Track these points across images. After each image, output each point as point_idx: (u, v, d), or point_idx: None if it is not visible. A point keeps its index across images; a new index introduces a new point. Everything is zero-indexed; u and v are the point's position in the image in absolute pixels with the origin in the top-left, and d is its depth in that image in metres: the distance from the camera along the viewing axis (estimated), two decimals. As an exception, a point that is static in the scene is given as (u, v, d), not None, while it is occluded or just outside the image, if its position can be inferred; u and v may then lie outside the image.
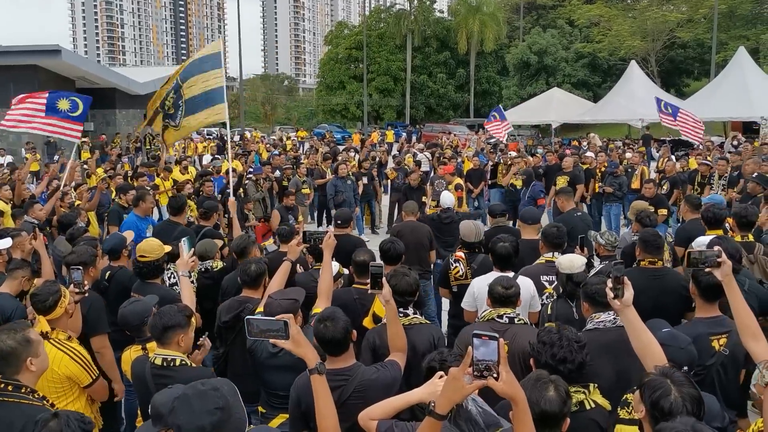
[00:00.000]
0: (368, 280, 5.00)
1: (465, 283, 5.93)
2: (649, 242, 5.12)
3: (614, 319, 3.75)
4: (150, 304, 4.31)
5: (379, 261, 4.35)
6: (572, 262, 4.79)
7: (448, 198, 8.74)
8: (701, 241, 5.41)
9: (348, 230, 7.34)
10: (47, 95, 10.40)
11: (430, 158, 18.66)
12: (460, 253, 6.15)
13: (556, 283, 5.22)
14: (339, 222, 7.21)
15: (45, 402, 3.30)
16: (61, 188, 9.74)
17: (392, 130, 42.76)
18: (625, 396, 3.05)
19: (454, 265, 6.11)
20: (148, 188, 11.14)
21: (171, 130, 9.26)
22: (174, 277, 5.92)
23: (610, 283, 3.01)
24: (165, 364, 3.58)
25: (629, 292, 2.99)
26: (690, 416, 2.38)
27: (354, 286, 5.18)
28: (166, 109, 9.10)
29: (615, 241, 5.74)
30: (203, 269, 5.95)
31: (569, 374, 3.05)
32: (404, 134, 39.78)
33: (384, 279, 3.65)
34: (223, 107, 8.60)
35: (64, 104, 10.40)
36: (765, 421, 2.52)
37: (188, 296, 4.62)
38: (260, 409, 4.21)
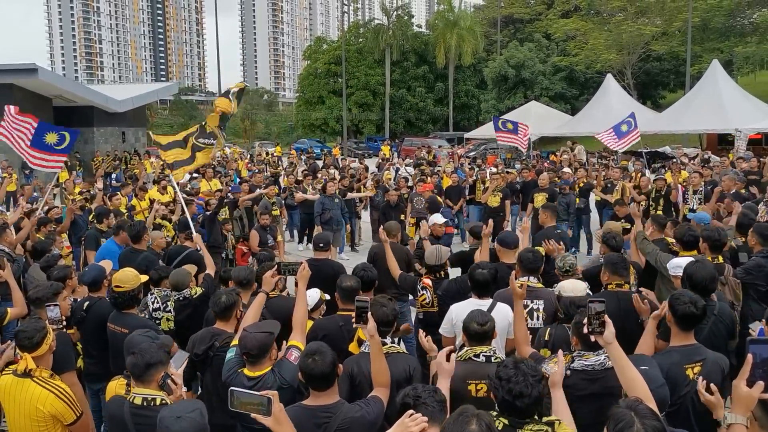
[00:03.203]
0: (353, 306, 4.97)
1: (431, 311, 5.98)
2: (617, 264, 5.18)
3: (603, 361, 3.67)
4: (158, 349, 3.80)
5: (364, 296, 4.31)
6: (575, 286, 4.78)
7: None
8: (677, 263, 5.41)
9: (328, 254, 7.26)
10: (37, 125, 10.18)
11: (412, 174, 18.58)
12: (427, 281, 6.10)
13: (530, 307, 5.20)
14: (320, 245, 7.11)
15: None
16: (24, 210, 9.60)
17: (389, 146, 42.08)
18: None
19: (422, 292, 6.10)
20: (124, 210, 11.07)
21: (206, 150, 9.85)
22: (157, 302, 5.88)
23: (585, 320, 3.00)
24: (145, 404, 3.51)
25: (609, 330, 2.97)
26: None
27: (339, 312, 5.10)
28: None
29: (564, 266, 5.61)
30: (181, 298, 5.85)
31: (527, 408, 3.01)
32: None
33: (369, 314, 3.65)
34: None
35: (51, 138, 10.29)
36: None
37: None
38: (236, 443, 4.14)
